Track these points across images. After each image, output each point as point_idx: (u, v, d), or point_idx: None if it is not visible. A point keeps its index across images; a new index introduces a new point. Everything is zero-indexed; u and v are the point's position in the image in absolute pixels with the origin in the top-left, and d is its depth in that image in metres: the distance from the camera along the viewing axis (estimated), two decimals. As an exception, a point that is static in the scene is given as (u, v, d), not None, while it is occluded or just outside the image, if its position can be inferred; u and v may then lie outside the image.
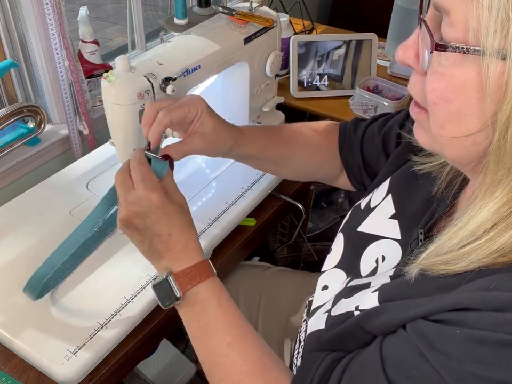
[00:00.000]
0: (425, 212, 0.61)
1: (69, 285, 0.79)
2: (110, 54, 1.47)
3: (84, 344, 0.71)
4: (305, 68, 1.33)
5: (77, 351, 0.70)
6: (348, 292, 0.61)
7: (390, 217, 0.66)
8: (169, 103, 0.70)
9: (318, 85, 1.34)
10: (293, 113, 1.30)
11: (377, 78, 1.30)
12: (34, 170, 1.13)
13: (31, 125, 1.09)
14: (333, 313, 0.60)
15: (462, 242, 0.47)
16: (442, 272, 0.48)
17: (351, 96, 1.28)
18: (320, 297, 0.68)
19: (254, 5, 1.01)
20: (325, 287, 0.69)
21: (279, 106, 1.21)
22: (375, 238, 0.66)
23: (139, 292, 0.79)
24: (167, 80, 0.81)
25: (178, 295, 0.60)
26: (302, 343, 0.73)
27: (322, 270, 0.73)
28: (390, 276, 0.58)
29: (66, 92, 1.10)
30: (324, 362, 0.56)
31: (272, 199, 1.03)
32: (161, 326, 0.81)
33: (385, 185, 0.71)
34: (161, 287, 0.62)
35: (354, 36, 1.33)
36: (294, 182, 1.08)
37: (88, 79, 1.15)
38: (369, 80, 1.30)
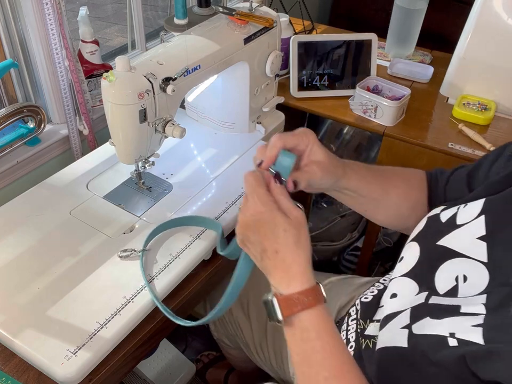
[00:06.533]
0: None
1: (69, 284, 0.79)
2: (110, 54, 1.47)
3: (84, 344, 0.71)
4: (305, 68, 1.33)
5: (77, 351, 0.70)
6: (433, 311, 0.59)
7: (478, 238, 0.63)
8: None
9: (318, 85, 1.34)
10: (293, 113, 1.30)
11: (377, 78, 1.30)
12: (34, 170, 1.13)
13: (31, 125, 1.09)
14: (416, 331, 0.58)
15: None
16: None
17: (351, 96, 1.28)
18: (390, 306, 0.67)
19: (254, 5, 1.01)
20: (394, 295, 0.68)
21: (279, 106, 1.21)
22: (456, 254, 0.64)
23: (139, 292, 0.79)
24: (167, 80, 0.81)
25: (280, 319, 0.59)
26: (352, 344, 0.72)
27: (392, 277, 0.71)
28: (484, 304, 0.56)
29: (66, 91, 1.10)
30: None
31: (272, 199, 1.03)
32: (161, 326, 0.81)
33: (477, 205, 0.67)
34: (267, 306, 0.61)
35: (354, 36, 1.33)
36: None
37: (88, 79, 1.15)
38: (369, 80, 1.30)
